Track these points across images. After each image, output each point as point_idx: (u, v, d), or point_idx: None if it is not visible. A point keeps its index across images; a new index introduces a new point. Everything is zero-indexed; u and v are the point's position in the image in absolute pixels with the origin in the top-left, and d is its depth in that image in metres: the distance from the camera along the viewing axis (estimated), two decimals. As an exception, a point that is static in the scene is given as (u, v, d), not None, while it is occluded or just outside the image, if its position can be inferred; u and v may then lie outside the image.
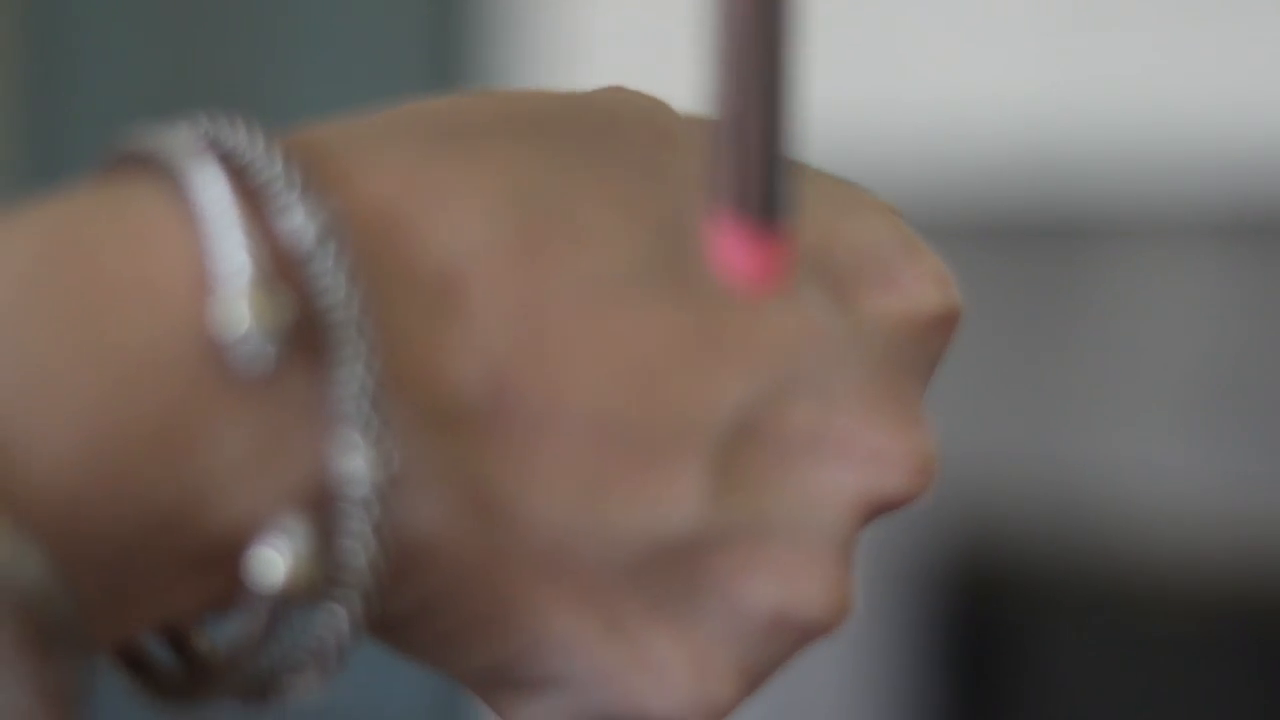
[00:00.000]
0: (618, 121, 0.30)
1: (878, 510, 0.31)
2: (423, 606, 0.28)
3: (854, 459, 0.30)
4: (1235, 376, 1.32)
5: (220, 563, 0.25)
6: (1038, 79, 1.28)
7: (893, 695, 1.41)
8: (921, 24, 1.31)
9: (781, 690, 1.44)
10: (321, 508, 0.25)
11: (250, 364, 0.25)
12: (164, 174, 0.26)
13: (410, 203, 0.27)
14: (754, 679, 0.30)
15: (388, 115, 0.29)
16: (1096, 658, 1.36)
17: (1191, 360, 1.32)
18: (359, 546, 0.25)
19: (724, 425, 0.29)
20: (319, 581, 0.25)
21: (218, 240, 0.25)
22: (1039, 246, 1.36)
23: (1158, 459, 1.33)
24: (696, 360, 0.29)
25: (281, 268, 0.25)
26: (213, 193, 0.25)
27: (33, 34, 1.73)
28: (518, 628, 0.28)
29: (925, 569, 1.40)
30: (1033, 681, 1.39)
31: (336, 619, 0.26)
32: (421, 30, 1.62)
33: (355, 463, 0.25)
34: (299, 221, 0.25)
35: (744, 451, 0.29)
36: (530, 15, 1.48)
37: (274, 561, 0.25)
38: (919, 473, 0.30)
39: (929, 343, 0.32)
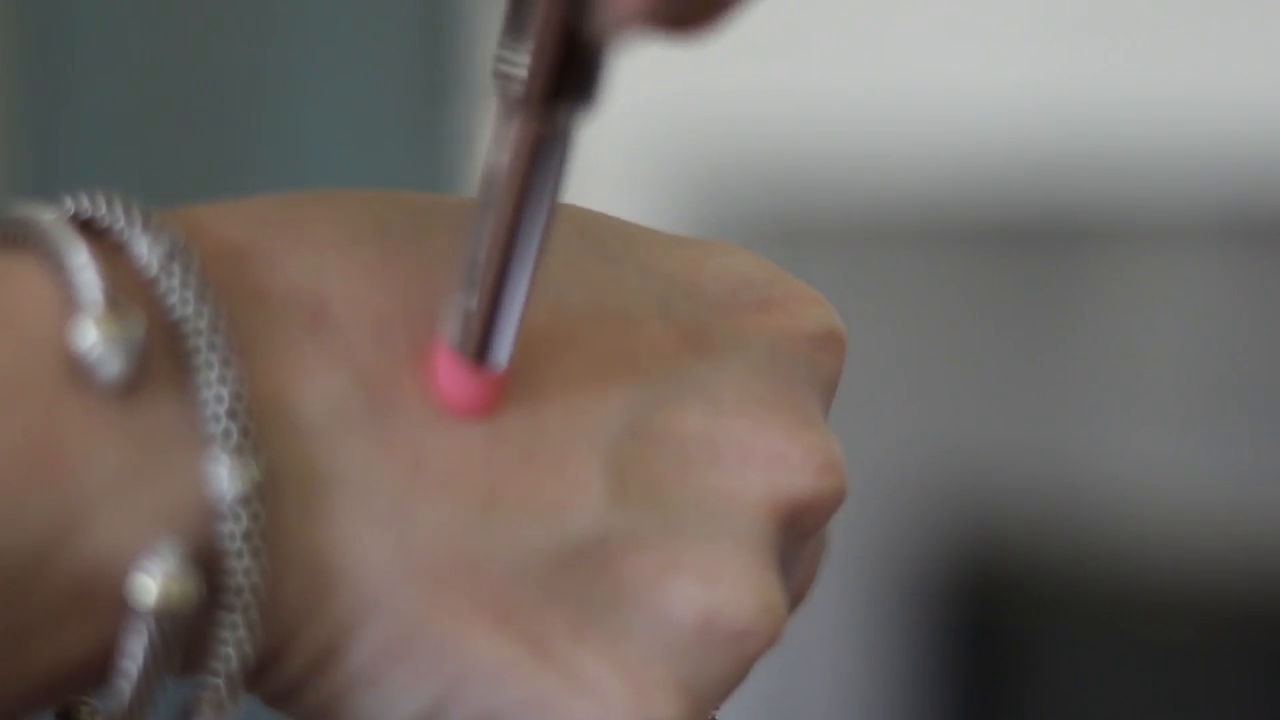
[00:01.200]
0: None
1: (794, 514, 0.30)
2: (334, 644, 0.27)
3: (754, 461, 0.30)
4: (1242, 378, 1.32)
5: (100, 595, 0.25)
6: (1038, 80, 1.29)
7: (896, 704, 1.41)
8: (922, 25, 1.32)
9: (783, 700, 1.44)
10: (195, 525, 0.25)
11: (106, 381, 0.25)
12: (21, 232, 0.27)
13: (262, 239, 0.27)
14: (698, 696, 0.29)
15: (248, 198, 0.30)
16: (1103, 665, 1.36)
17: (1198, 362, 1.32)
18: (236, 559, 0.25)
19: (615, 428, 0.29)
20: (197, 600, 0.25)
21: (69, 270, 0.25)
22: (1042, 248, 1.36)
23: (1165, 463, 1.34)
24: (575, 369, 0.29)
25: (130, 291, 0.26)
26: (63, 234, 0.26)
27: (31, 34, 1.73)
28: (439, 658, 0.27)
29: (929, 576, 1.41)
30: (1038, 690, 1.39)
31: (233, 633, 0.26)
32: (417, 32, 1.62)
33: (219, 475, 0.25)
34: (143, 248, 0.26)
35: (640, 455, 0.29)
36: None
37: (145, 584, 0.25)
38: (825, 471, 0.30)
39: (816, 360, 0.31)
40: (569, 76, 0.26)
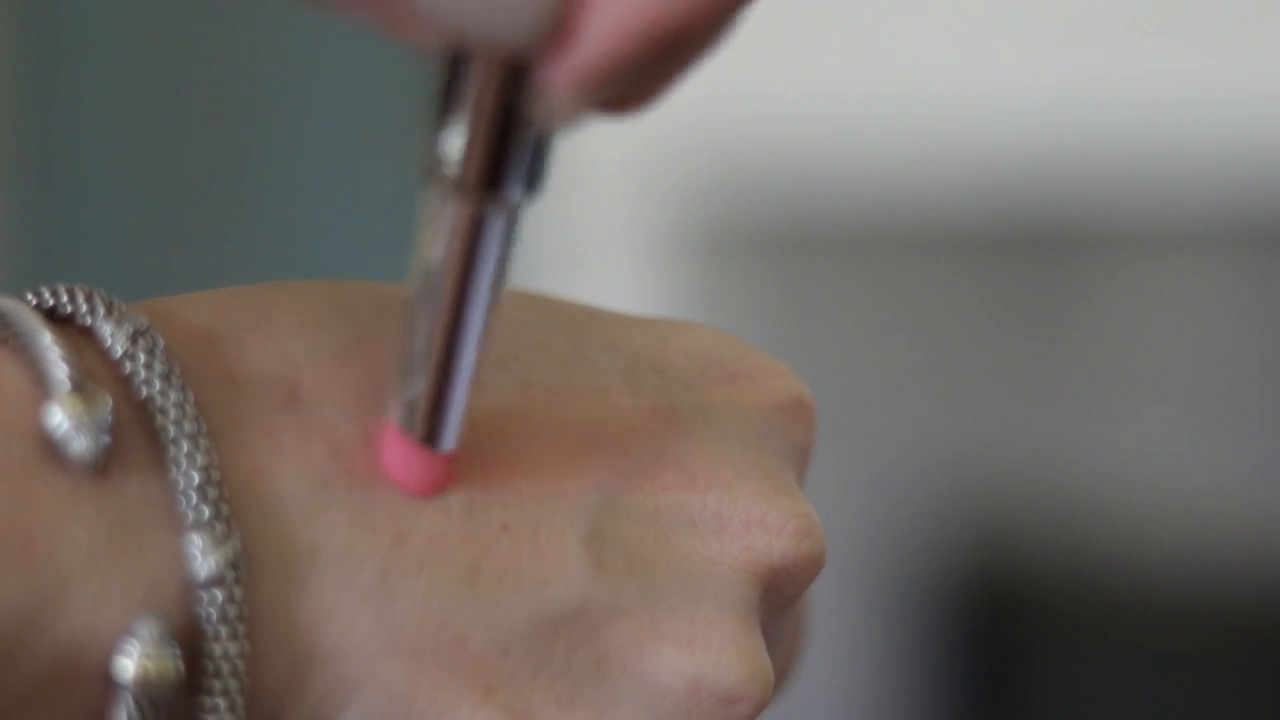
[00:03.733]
0: None
1: (773, 578, 0.30)
2: (321, 714, 0.27)
3: (731, 528, 0.30)
4: (1250, 383, 1.32)
5: (81, 674, 0.25)
6: (1044, 87, 1.29)
7: (901, 713, 1.41)
8: (927, 34, 1.32)
9: (787, 709, 1.44)
10: (172, 604, 0.25)
11: (76, 462, 0.25)
12: None
13: (228, 324, 0.28)
14: None
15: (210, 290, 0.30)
16: (1110, 674, 1.36)
17: (1205, 368, 1.33)
18: (214, 640, 0.25)
19: (590, 500, 0.29)
20: (176, 679, 0.25)
21: (36, 353, 0.26)
22: (1048, 254, 1.36)
23: (1174, 469, 1.34)
24: (548, 440, 0.29)
25: (97, 373, 0.26)
26: (29, 320, 0.26)
27: (31, 34, 1.74)
28: None
29: (934, 584, 1.41)
30: (1044, 698, 1.39)
31: (214, 715, 0.26)
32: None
33: (192, 554, 0.25)
34: (108, 332, 0.26)
35: (616, 526, 0.29)
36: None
37: (123, 663, 0.25)
38: (802, 535, 0.30)
39: (788, 431, 0.32)
40: (508, 160, 0.26)
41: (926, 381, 1.39)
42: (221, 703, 0.26)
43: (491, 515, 0.28)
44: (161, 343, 0.26)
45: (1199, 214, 1.30)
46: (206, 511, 0.25)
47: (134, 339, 0.26)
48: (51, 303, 0.27)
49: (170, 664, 0.25)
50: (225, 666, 0.25)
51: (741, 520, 0.30)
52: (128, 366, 0.26)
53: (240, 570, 0.26)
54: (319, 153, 1.64)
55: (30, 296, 0.27)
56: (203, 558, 0.25)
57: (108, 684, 0.25)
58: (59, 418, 0.25)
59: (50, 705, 0.25)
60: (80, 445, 0.25)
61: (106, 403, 0.25)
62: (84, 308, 0.27)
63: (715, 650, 0.29)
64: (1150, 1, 1.27)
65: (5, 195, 1.74)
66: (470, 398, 0.28)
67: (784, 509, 0.30)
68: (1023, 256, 1.37)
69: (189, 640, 0.25)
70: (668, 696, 0.29)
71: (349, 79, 1.66)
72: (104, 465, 0.25)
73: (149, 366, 0.26)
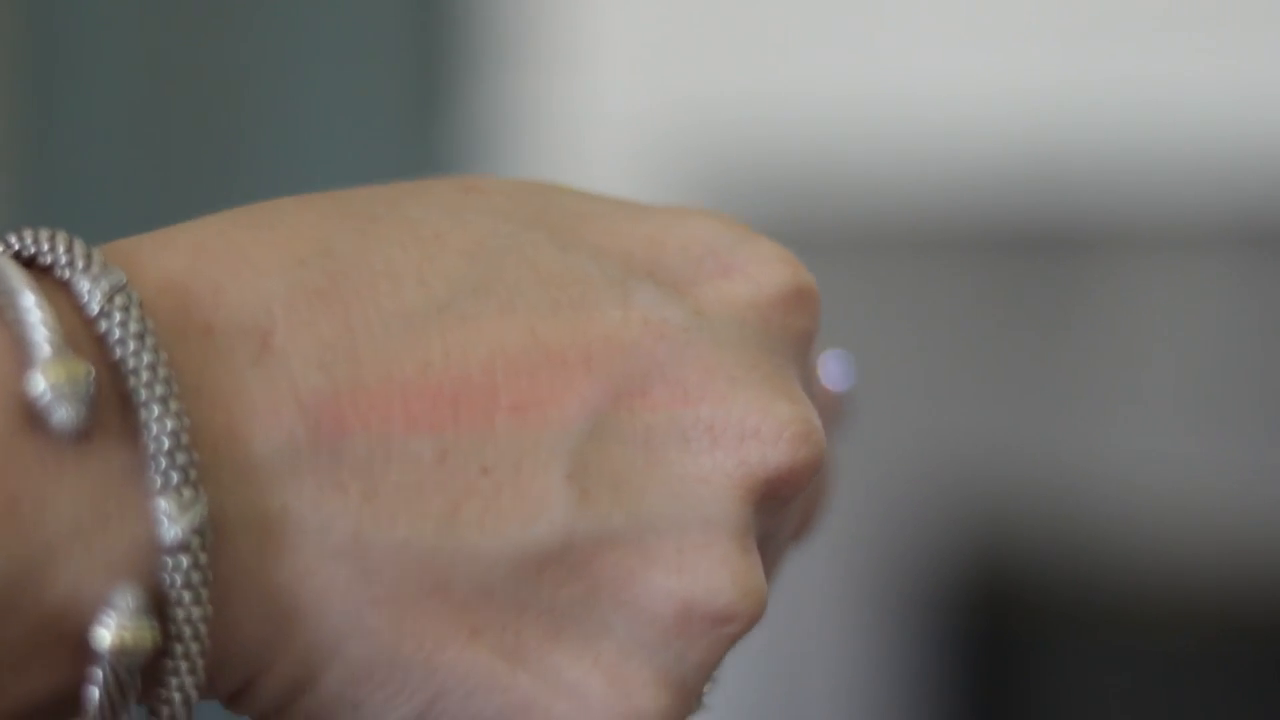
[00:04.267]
0: (423, 185, 0.31)
1: (769, 489, 0.30)
2: (307, 669, 0.27)
3: (725, 442, 0.29)
4: (1251, 384, 1.32)
5: (63, 639, 0.25)
6: (1045, 86, 1.29)
7: (900, 713, 1.41)
8: (928, 33, 1.32)
9: (786, 708, 1.44)
10: (146, 570, 0.25)
11: (59, 429, 0.25)
12: None
13: (203, 268, 0.27)
14: (678, 685, 0.29)
15: (191, 221, 0.30)
16: (1111, 674, 1.36)
17: (1206, 368, 1.33)
18: (177, 605, 0.25)
19: (576, 431, 0.28)
20: (152, 645, 0.25)
21: (17, 314, 0.26)
22: (1049, 254, 1.36)
23: (1174, 469, 1.34)
24: (531, 373, 0.28)
25: (75, 333, 0.26)
26: (10, 276, 0.26)
27: (33, 31, 1.73)
28: (414, 679, 0.28)
29: (934, 583, 1.40)
30: (1044, 699, 1.39)
31: (176, 677, 0.26)
32: (415, 28, 1.62)
33: (161, 519, 0.25)
34: (84, 288, 0.26)
35: (605, 452, 0.29)
36: (524, 11, 1.48)
37: (101, 633, 0.25)
38: (799, 442, 0.30)
39: (787, 321, 0.31)
40: None
41: (926, 381, 1.39)
42: (183, 665, 0.26)
43: (468, 458, 0.27)
44: (137, 299, 0.26)
45: (1199, 214, 1.30)
46: (175, 477, 0.25)
47: (110, 297, 0.26)
48: (32, 250, 0.27)
49: (147, 634, 0.25)
50: (188, 630, 0.26)
51: (735, 432, 0.29)
52: (103, 325, 0.26)
53: (206, 536, 0.25)
54: (317, 147, 1.64)
55: (12, 239, 0.27)
56: (169, 523, 0.25)
57: (84, 650, 0.25)
58: (42, 386, 0.25)
59: (29, 672, 0.25)
60: (63, 414, 0.25)
61: (89, 372, 0.25)
62: (63, 259, 0.26)
63: (705, 574, 0.29)
64: (1151, 2, 1.27)
65: (5, 185, 1.74)
66: (451, 330, 0.28)
67: (780, 417, 0.30)
68: (1023, 256, 1.37)
69: (156, 604, 0.25)
70: (657, 623, 0.29)
71: (347, 74, 1.65)
72: (85, 431, 0.25)
73: (124, 325, 0.26)
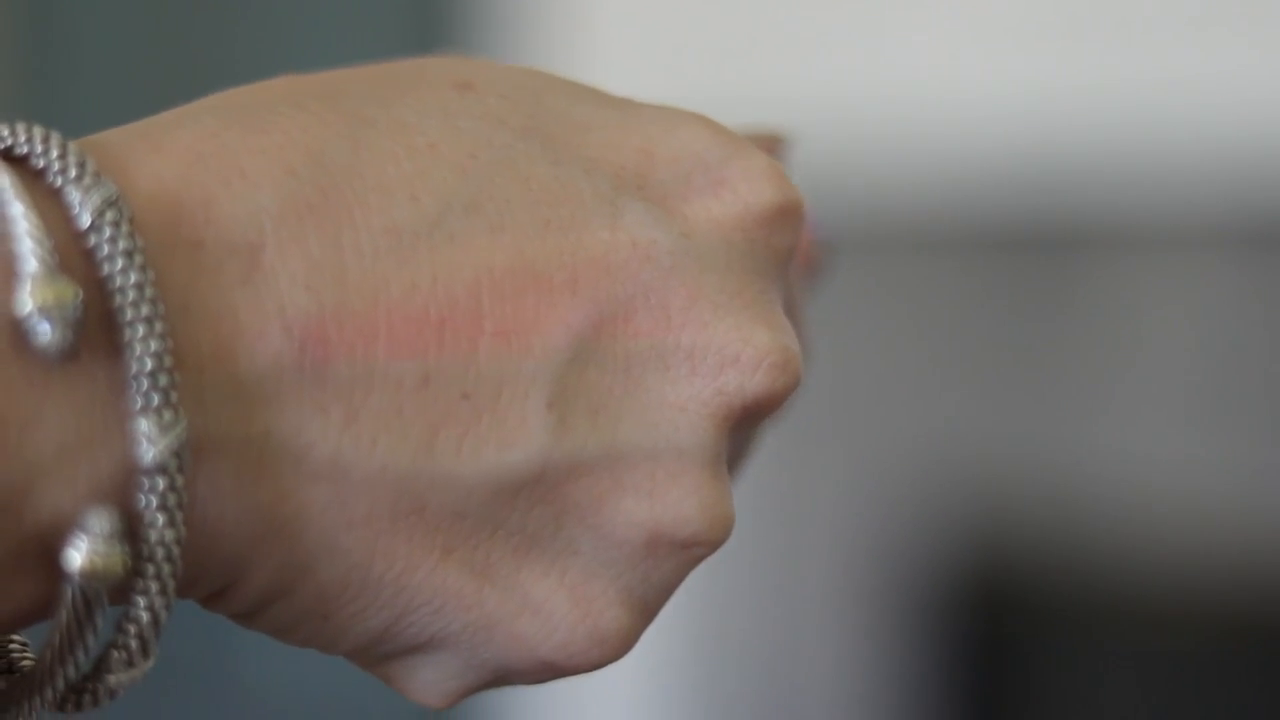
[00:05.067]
0: (418, 79, 0.30)
1: (746, 414, 0.30)
2: (279, 582, 0.27)
3: (703, 370, 0.30)
4: (1248, 383, 1.32)
5: (39, 557, 0.25)
6: (1041, 86, 1.29)
7: (898, 715, 1.41)
8: (925, 32, 1.32)
9: (784, 710, 1.44)
10: (122, 491, 0.25)
11: (45, 350, 0.25)
12: None
13: (196, 177, 0.27)
14: (640, 605, 0.30)
15: (181, 108, 0.29)
16: (1108, 675, 1.36)
17: (1203, 367, 1.33)
18: (151, 527, 0.25)
19: (558, 358, 0.29)
20: (126, 566, 0.25)
21: (7, 225, 0.25)
22: (1047, 253, 1.36)
23: (1172, 469, 1.34)
24: (516, 296, 0.28)
25: (64, 247, 0.25)
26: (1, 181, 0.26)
27: (29, 28, 1.73)
28: (384, 595, 0.28)
29: (932, 584, 1.40)
30: (1041, 699, 1.39)
31: (145, 597, 0.26)
32: (412, 30, 1.63)
33: (140, 440, 0.25)
34: (75, 200, 0.26)
35: (585, 378, 0.29)
36: (523, 10, 1.48)
37: (72, 555, 0.25)
38: (778, 370, 0.30)
39: (772, 239, 0.31)
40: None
41: (925, 380, 1.39)
42: (154, 585, 0.26)
43: (450, 384, 0.28)
44: (128, 214, 0.26)
45: (1199, 214, 1.30)
46: (156, 398, 0.25)
47: (101, 211, 0.26)
48: (25, 149, 0.26)
49: (118, 559, 0.25)
50: (160, 552, 0.26)
51: (715, 360, 0.30)
52: (92, 240, 0.26)
53: (185, 458, 0.25)
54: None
55: (5, 133, 0.26)
56: (148, 444, 0.25)
57: (55, 569, 0.25)
58: (29, 307, 0.25)
59: (15, 583, 0.25)
60: (49, 337, 0.25)
61: (76, 294, 0.25)
62: (56, 166, 0.26)
63: (675, 503, 0.29)
64: (1151, 2, 1.27)
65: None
66: (440, 250, 0.28)
67: (760, 346, 0.30)
68: (1023, 256, 1.37)
69: (131, 525, 0.25)
70: (624, 546, 0.29)
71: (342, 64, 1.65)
72: (72, 352, 0.25)
73: (113, 242, 0.25)
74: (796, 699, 1.44)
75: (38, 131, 0.26)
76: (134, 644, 0.26)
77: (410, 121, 0.29)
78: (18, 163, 0.26)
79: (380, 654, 0.29)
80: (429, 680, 0.30)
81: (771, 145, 0.38)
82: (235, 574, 0.27)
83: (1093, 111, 1.28)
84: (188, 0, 1.72)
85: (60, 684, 0.26)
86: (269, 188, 0.27)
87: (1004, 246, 1.37)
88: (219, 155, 0.27)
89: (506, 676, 0.30)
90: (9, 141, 0.26)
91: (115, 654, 0.26)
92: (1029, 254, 1.37)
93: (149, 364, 0.25)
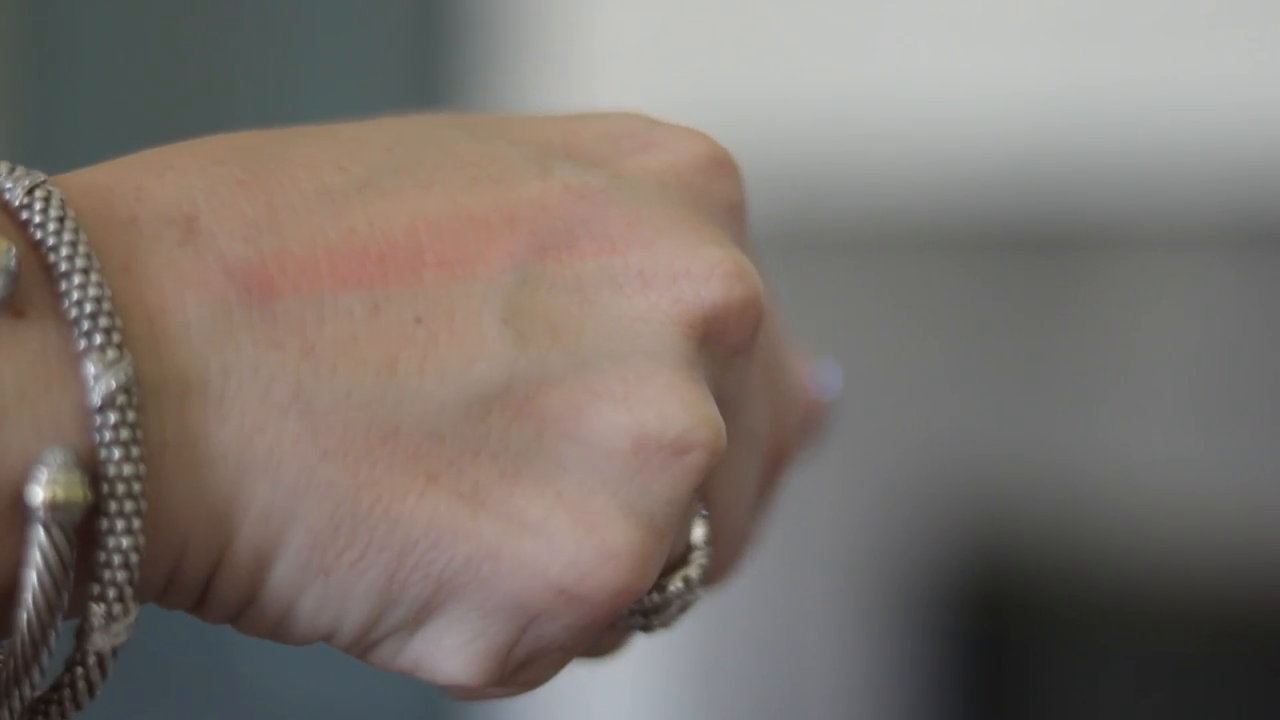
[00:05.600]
0: (361, 122, 0.32)
1: (708, 326, 0.30)
2: (272, 535, 0.27)
3: (656, 283, 0.30)
4: (1249, 384, 1.32)
5: (11, 510, 0.26)
6: (1042, 86, 1.29)
7: (899, 716, 1.41)
8: (925, 32, 1.32)
9: (786, 710, 1.44)
10: (78, 433, 0.26)
11: None
12: None
13: (124, 175, 0.28)
14: (647, 519, 0.29)
15: None
16: (1109, 675, 1.36)
17: (1204, 368, 1.33)
18: (110, 464, 0.26)
19: (505, 279, 0.29)
20: (87, 497, 0.26)
21: None
22: (1046, 254, 1.36)
23: (1173, 470, 1.34)
24: (454, 235, 0.29)
25: (2, 225, 0.27)
26: None
27: (30, 32, 1.74)
28: (377, 531, 0.28)
29: (932, 585, 1.41)
30: (1043, 701, 1.39)
31: (114, 538, 0.26)
32: (414, 32, 1.62)
33: (88, 379, 0.26)
34: (5, 189, 0.27)
35: (536, 300, 0.29)
36: (523, 12, 1.48)
37: (33, 490, 0.25)
38: (732, 279, 0.30)
39: (710, 186, 0.32)
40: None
41: (925, 381, 1.39)
42: (119, 524, 0.26)
43: (401, 310, 0.28)
44: (57, 193, 0.27)
45: (1199, 214, 1.30)
46: (98, 339, 0.26)
47: (30, 190, 0.27)
48: None
49: (78, 488, 0.26)
50: (121, 488, 0.26)
51: (666, 274, 0.30)
52: (24, 215, 0.27)
53: (133, 394, 0.26)
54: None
55: None
56: (94, 383, 0.26)
57: (21, 511, 0.26)
58: None
59: None
60: None
61: (9, 248, 0.26)
62: None
63: (654, 403, 0.29)
64: (1151, 2, 1.27)
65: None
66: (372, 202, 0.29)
67: (708, 257, 0.30)
68: (1023, 256, 1.37)
69: (90, 464, 0.26)
70: (614, 457, 0.29)
71: (347, 74, 1.66)
72: (19, 306, 0.26)
73: (44, 212, 0.27)
74: (798, 699, 1.44)
75: None
76: (110, 592, 0.26)
77: (338, 130, 0.30)
78: None
79: (395, 624, 0.29)
80: (454, 646, 0.29)
81: (815, 416, 0.39)
82: (222, 531, 0.27)
83: (1093, 111, 1.28)
84: (188, 8, 1.72)
85: (45, 651, 0.26)
86: (198, 174, 0.28)
87: (1004, 246, 1.37)
88: (148, 161, 0.29)
89: (531, 624, 0.29)
90: None
91: (94, 607, 0.26)
92: (1029, 254, 1.37)
93: (88, 307, 0.26)
